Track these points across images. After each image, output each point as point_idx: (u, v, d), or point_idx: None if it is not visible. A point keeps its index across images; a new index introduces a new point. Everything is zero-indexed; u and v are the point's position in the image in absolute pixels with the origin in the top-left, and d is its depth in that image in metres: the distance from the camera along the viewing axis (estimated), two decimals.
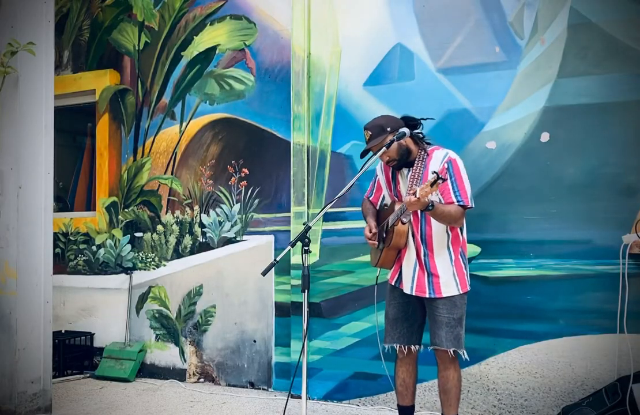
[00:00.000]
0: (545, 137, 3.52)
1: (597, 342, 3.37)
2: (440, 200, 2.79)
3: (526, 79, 3.59)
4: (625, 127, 3.35)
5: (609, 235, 3.34)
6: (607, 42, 3.40)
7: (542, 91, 3.53)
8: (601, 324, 3.34)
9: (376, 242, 3.01)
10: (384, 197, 3.16)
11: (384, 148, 2.80)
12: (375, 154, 2.87)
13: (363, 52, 4.05)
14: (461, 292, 2.84)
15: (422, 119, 2.94)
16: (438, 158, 2.86)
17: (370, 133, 2.87)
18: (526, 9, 3.61)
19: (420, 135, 2.94)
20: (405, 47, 3.92)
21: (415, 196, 2.54)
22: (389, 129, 2.84)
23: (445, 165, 2.80)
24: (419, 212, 2.83)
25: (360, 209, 3.32)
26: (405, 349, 2.98)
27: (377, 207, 3.20)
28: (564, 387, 3.44)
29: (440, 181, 2.47)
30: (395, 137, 2.79)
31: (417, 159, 2.88)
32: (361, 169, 2.92)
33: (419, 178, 2.84)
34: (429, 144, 2.95)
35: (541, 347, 3.49)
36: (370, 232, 3.03)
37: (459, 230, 2.90)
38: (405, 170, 2.93)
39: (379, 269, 3.14)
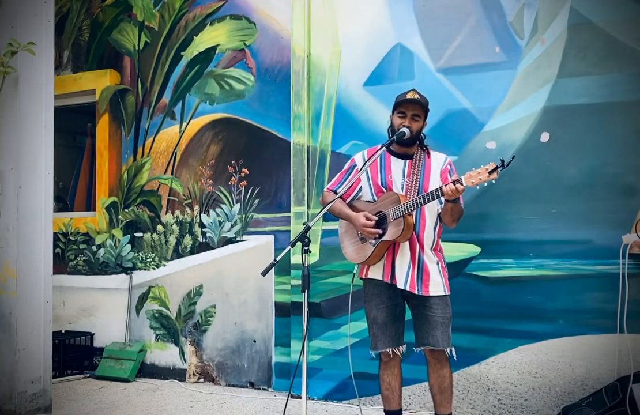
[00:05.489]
0: (545, 137, 3.53)
1: (597, 342, 3.37)
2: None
3: (526, 79, 3.59)
4: (625, 127, 3.35)
5: (609, 235, 3.34)
6: (607, 42, 3.40)
7: (542, 91, 3.53)
8: (601, 324, 3.34)
9: (379, 231, 2.83)
10: (360, 189, 3.01)
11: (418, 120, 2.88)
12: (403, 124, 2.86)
13: (363, 52, 4.05)
14: (448, 293, 2.87)
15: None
16: (439, 158, 2.96)
17: (419, 97, 2.87)
18: (526, 9, 3.61)
19: (423, 135, 2.99)
20: (405, 47, 3.92)
21: (462, 184, 2.57)
22: (427, 112, 2.93)
23: (448, 167, 2.93)
24: None
25: None
26: (397, 351, 2.95)
27: (347, 202, 3.02)
28: (564, 387, 3.44)
29: (499, 169, 2.51)
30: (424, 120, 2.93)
31: (414, 155, 2.91)
32: (362, 168, 2.91)
33: (419, 173, 2.87)
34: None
35: (541, 347, 3.49)
36: (369, 220, 2.83)
37: (439, 236, 2.94)
38: (400, 161, 2.92)
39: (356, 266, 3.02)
